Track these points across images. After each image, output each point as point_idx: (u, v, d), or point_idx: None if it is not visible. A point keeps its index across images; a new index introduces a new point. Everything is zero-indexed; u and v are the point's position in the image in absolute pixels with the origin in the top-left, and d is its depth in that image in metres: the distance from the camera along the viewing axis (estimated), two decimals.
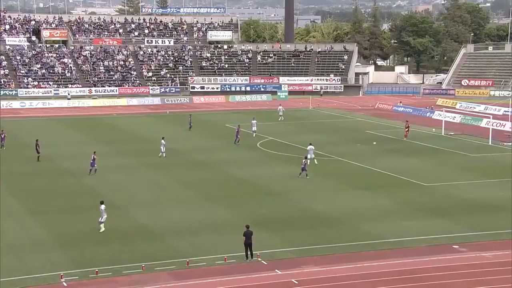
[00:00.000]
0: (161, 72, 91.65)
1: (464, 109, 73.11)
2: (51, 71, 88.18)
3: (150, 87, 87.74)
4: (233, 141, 49.62)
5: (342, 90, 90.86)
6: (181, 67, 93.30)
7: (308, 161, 39.46)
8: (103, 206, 26.55)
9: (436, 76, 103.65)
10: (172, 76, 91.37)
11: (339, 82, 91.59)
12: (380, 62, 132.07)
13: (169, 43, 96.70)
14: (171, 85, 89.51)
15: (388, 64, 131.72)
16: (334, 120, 65.65)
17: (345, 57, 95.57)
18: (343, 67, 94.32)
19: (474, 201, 32.39)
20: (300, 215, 29.73)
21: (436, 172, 39.68)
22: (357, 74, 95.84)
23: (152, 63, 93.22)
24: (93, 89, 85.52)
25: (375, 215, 29.86)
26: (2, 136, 45.65)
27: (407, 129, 51.56)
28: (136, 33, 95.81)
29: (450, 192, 34.30)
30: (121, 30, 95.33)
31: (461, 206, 31.27)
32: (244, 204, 31.69)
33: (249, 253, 23.63)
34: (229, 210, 30.37)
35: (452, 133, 55.19)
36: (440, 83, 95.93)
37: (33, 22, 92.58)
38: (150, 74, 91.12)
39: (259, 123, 57.48)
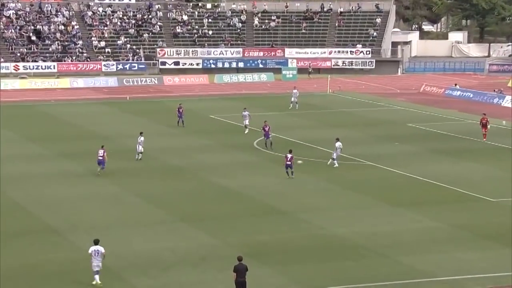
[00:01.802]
0: (118, 42, 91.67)
1: None
2: None
3: (103, 63, 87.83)
4: (224, 140, 49.68)
5: (373, 67, 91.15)
6: (147, 35, 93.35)
7: (336, 162, 41.32)
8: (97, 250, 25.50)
9: (508, 46, 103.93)
10: (134, 47, 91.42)
11: (369, 56, 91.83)
12: (427, 27, 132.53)
13: (130, 0, 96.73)
14: (133, 59, 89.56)
15: (439, 30, 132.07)
16: (362, 108, 65.83)
17: (378, 20, 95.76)
18: (375, 34, 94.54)
19: None
20: (313, 243, 29.80)
21: (508, 182, 39.77)
22: (394, 45, 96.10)
23: (106, 28, 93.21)
24: (21, 64, 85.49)
25: (420, 243, 29.90)
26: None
27: (484, 127, 50.48)
28: None
29: None
30: None
31: None
32: (236, 227, 31.78)
33: None
34: (214, 236, 30.44)
35: None
36: None
37: None
38: (103, 44, 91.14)
39: (256, 113, 57.56)
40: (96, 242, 25.54)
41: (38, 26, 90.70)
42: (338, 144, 42.65)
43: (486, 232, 31.05)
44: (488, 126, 50.52)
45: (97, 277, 25.13)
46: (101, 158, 40.41)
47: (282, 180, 39.71)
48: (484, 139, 50.21)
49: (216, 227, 31.65)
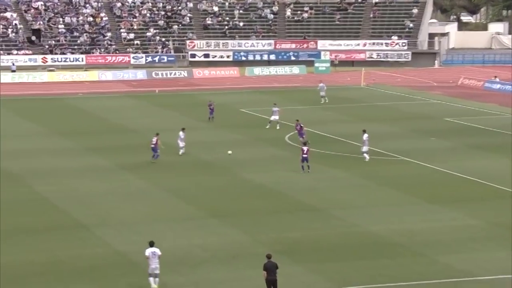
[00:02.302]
0: (147, 34, 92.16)
1: None
2: None
3: (132, 55, 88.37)
4: (255, 134, 49.75)
5: (410, 59, 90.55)
6: (176, 26, 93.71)
7: (367, 156, 41.57)
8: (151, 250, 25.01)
9: None
10: (163, 39, 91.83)
11: (405, 48, 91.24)
12: (466, 18, 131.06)
13: None
14: (162, 52, 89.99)
15: (478, 21, 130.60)
16: (397, 102, 65.46)
17: (415, 10, 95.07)
18: (411, 25, 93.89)
19: None
20: (346, 240, 29.74)
21: None
22: (431, 36, 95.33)
23: (135, 20, 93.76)
24: (49, 57, 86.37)
25: (458, 241, 29.71)
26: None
27: None
28: None
29: None
30: None
31: None
32: (267, 223, 31.80)
33: None
34: (245, 233, 30.50)
35: None
36: None
37: None
38: (132, 36, 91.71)
39: (288, 106, 57.65)
40: (151, 244, 24.93)
41: (66, 18, 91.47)
42: (365, 136, 42.53)
43: None
44: None
45: (151, 280, 24.47)
46: (153, 145, 41.57)
47: (314, 176, 39.64)
48: None
49: (247, 224, 31.69)
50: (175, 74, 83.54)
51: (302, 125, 47.10)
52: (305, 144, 40.59)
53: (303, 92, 70.03)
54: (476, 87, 74.25)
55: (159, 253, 24.79)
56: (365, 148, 42.58)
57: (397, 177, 39.72)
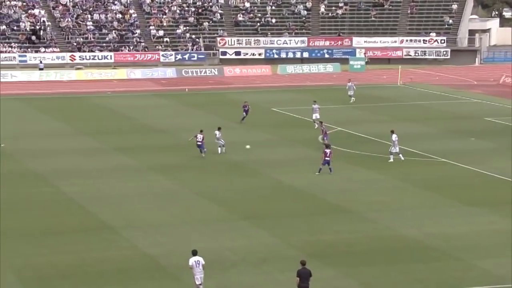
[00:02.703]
0: (177, 31, 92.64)
1: None
2: (14, 28, 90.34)
3: (161, 53, 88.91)
4: (287, 134, 49.76)
5: (449, 57, 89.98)
6: (207, 23, 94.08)
7: (392, 157, 41.65)
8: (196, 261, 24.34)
9: None
10: (194, 36, 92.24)
11: (444, 45, 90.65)
12: (508, 14, 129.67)
13: None
14: (192, 49, 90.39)
15: None
16: (436, 101, 65.06)
17: (454, 6, 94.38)
18: (451, 21, 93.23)
19: None
20: (380, 244, 29.69)
21: None
22: (472, 33, 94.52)
23: (164, 16, 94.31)
24: (77, 54, 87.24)
25: (497, 246, 29.51)
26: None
27: None
28: None
29: None
30: None
31: None
32: (298, 226, 31.86)
33: None
34: (275, 235, 30.59)
35: None
36: None
37: None
38: (161, 33, 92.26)
39: (321, 105, 57.43)
40: (194, 253, 24.59)
41: (95, 15, 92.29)
42: (394, 136, 42.61)
43: None
44: None
45: None
46: (199, 143, 43.16)
47: (347, 177, 39.60)
48: None
49: (278, 226, 31.75)
50: (205, 72, 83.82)
51: (325, 129, 46.79)
52: (327, 147, 40.69)
53: (337, 91, 69.84)
54: None
55: (203, 262, 24.44)
56: (394, 149, 42.42)
57: (433, 178, 39.52)
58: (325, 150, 40.30)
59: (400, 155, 42.84)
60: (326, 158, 39.87)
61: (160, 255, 28.27)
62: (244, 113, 54.71)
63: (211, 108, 61.20)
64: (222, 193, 36.93)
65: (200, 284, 24.38)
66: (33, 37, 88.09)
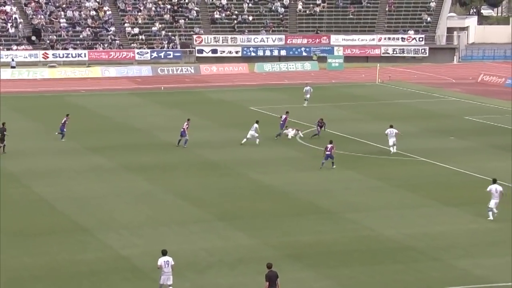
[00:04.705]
0: (153, 28, 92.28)
1: None
2: None
3: (136, 51, 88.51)
4: (264, 133, 49.76)
5: (427, 55, 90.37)
6: (183, 21, 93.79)
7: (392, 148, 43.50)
8: None
9: None
10: (169, 34, 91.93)
11: (423, 43, 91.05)
12: (487, 12, 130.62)
13: None
14: (168, 47, 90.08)
15: (499, 15, 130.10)
16: (414, 100, 65.29)
17: (432, 3, 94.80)
18: (429, 19, 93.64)
19: None
20: (360, 244, 29.71)
21: None
22: (450, 30, 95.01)
23: (139, 14, 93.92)
24: (50, 52, 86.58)
25: (477, 245, 29.65)
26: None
27: None
28: None
29: None
30: None
31: None
32: (277, 226, 31.80)
33: None
34: (253, 236, 30.52)
35: None
36: None
37: None
38: (136, 30, 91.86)
39: (299, 104, 57.64)
40: (164, 253, 24.71)
41: (68, 12, 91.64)
42: (389, 130, 44.40)
43: None
44: None
45: None
46: (182, 129, 45.39)
47: (326, 177, 39.61)
48: None
49: (256, 227, 31.68)
50: (181, 70, 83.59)
51: (324, 122, 48.20)
52: (330, 142, 41.42)
53: (315, 90, 69.75)
54: (497, 84, 73.97)
55: (173, 262, 24.49)
56: (391, 143, 44.10)
57: (413, 178, 39.63)
58: (327, 145, 40.98)
59: (391, 148, 44.01)
60: (327, 153, 40.52)
61: (135, 257, 28.08)
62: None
63: (188, 107, 60.98)
64: (198, 193, 36.79)
65: (170, 286, 24.28)
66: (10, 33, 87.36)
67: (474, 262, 27.81)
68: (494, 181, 33.26)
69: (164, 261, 24.45)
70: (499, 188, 32.95)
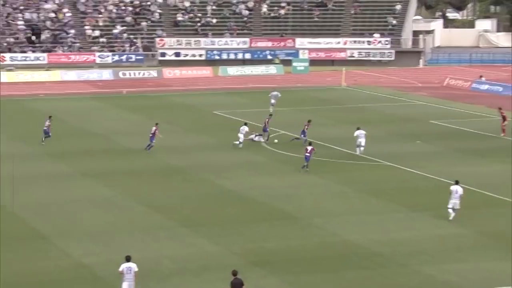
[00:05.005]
0: (114, 31, 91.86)
1: None
2: None
3: (97, 54, 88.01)
4: (228, 138, 49.80)
5: (393, 58, 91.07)
6: (145, 23, 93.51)
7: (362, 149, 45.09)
8: None
9: None
10: (131, 36, 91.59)
11: (388, 46, 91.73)
12: (452, 15, 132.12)
13: None
14: (130, 50, 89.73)
15: (464, 18, 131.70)
16: (380, 104, 65.77)
17: (398, 6, 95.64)
18: (395, 22, 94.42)
19: None
20: (325, 250, 29.87)
21: None
22: (416, 34, 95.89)
23: (100, 16, 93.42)
24: (7, 55, 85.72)
25: (443, 251, 29.93)
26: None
27: (504, 120, 51.36)
28: None
29: None
30: None
31: None
32: (241, 233, 31.85)
33: None
34: (217, 243, 30.53)
35: None
36: None
37: None
38: (97, 33, 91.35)
39: (264, 108, 57.72)
40: (128, 259, 24.61)
41: (26, 14, 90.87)
42: (358, 132, 45.55)
43: None
44: (506, 121, 51.48)
45: None
46: (151, 135, 45.56)
47: (292, 182, 39.74)
48: (503, 134, 50.56)
49: (220, 233, 31.69)
50: (143, 74, 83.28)
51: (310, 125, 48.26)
52: (310, 144, 42.35)
53: (280, 93, 70.04)
54: (463, 88, 74.82)
55: (136, 269, 24.43)
56: (361, 142, 45.30)
57: (379, 183, 39.91)
58: (307, 147, 41.68)
59: (358, 148, 45.14)
60: (306, 154, 41.15)
61: (96, 265, 27.95)
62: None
63: (150, 111, 60.74)
64: (160, 199, 36.70)
65: None
66: None
67: (440, 267, 28.09)
68: (457, 182, 34.01)
69: (126, 267, 24.41)
70: (460, 190, 33.59)
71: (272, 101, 60.64)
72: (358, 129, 45.86)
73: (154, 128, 45.91)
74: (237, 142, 47.40)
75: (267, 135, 49.17)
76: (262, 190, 38.28)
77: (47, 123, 48.67)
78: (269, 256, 29.11)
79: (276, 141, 48.50)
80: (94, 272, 27.44)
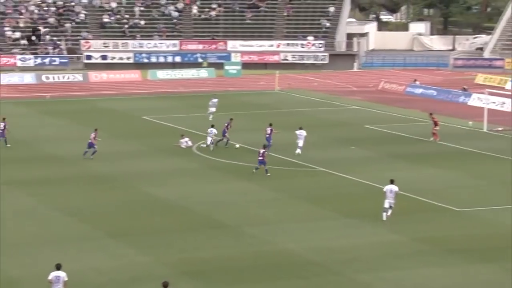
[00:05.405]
0: (36, 32, 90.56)
1: None
2: None
3: (18, 57, 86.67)
4: (159, 144, 49.58)
5: (327, 62, 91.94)
6: (69, 24, 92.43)
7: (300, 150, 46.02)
8: None
9: (475, 38, 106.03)
10: (55, 38, 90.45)
11: (322, 49, 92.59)
12: (386, 18, 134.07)
13: None
14: (53, 53, 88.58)
15: (398, 20, 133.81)
16: (314, 108, 66.29)
17: (331, 8, 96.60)
18: (328, 24, 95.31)
19: None
20: (259, 260, 29.90)
21: (476, 190, 40.53)
22: (350, 37, 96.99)
23: (21, 17, 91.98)
24: None
25: (379, 258, 30.24)
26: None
27: (435, 125, 52.23)
28: None
29: (497, 221, 35.08)
30: None
31: None
32: (172, 242, 31.69)
33: None
34: (147, 253, 30.31)
35: (500, 129, 56.56)
36: (481, 49, 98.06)
37: None
38: (18, 34, 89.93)
39: (195, 113, 57.59)
40: (58, 267, 24.39)
41: None
42: (300, 132, 46.69)
43: (451, 246, 31.55)
44: (438, 126, 52.32)
45: None
46: (90, 141, 45.27)
47: (225, 189, 39.75)
48: (436, 139, 51.43)
49: (150, 243, 31.48)
50: (68, 77, 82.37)
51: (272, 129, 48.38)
52: (264, 147, 42.67)
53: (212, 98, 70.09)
54: (397, 92, 75.95)
55: (66, 278, 24.23)
56: (299, 143, 46.49)
57: (314, 189, 40.17)
58: (260, 150, 41.97)
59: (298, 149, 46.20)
60: (259, 158, 41.52)
61: (19, 278, 27.45)
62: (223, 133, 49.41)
63: (76, 117, 60.12)
64: (87, 208, 36.31)
65: None
66: None
67: (376, 275, 28.38)
68: (392, 182, 34.73)
69: (55, 276, 24.15)
70: (395, 188, 34.19)
71: (213, 109, 59.70)
72: (300, 128, 47.06)
73: (93, 134, 45.86)
74: (205, 145, 48.24)
75: (226, 140, 49.02)
76: (194, 198, 38.19)
77: (3, 125, 48.56)
78: (201, 266, 29.03)
79: (237, 146, 48.77)
80: (18, 284, 26.98)
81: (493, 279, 28.19)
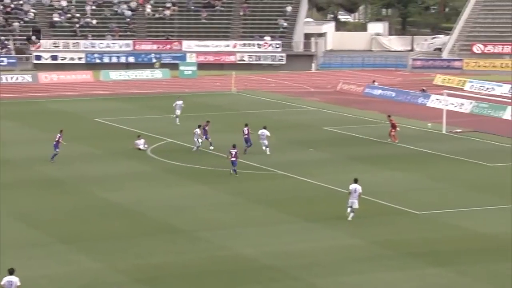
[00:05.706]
0: None
1: (477, 91, 75.85)
2: None
3: None
4: (112, 147, 49.27)
5: (285, 62, 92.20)
6: (17, 24, 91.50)
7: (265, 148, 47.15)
8: None
9: (433, 38, 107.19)
10: (2, 38, 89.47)
11: (279, 49, 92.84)
12: (344, 18, 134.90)
13: None
14: (1, 53, 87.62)
15: (356, 20, 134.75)
16: (272, 110, 66.41)
17: (289, 8, 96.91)
18: (285, 25, 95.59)
19: (494, 238, 33.56)
20: (215, 265, 29.86)
21: (435, 192, 40.85)
22: (308, 37, 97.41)
23: None
24: None
25: (337, 262, 30.34)
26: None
27: (393, 128, 52.58)
28: None
29: (456, 224, 35.42)
30: None
31: (476, 247, 32.32)
32: (125, 248, 31.53)
33: None
34: (99, 260, 30.12)
35: (459, 130, 57.18)
36: (440, 49, 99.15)
37: None
38: None
39: (149, 115, 57.29)
40: (11, 272, 24.23)
41: None
42: (262, 131, 47.41)
43: (410, 250, 31.77)
44: (396, 128, 52.78)
45: None
46: (55, 142, 45.10)
47: (180, 193, 39.66)
48: (395, 141, 51.84)
49: (103, 250, 31.31)
50: (17, 78, 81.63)
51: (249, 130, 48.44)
52: (234, 147, 42.80)
53: (167, 99, 69.73)
54: (355, 93, 76.40)
55: (18, 283, 24.11)
56: (264, 141, 47.31)
57: (272, 193, 40.22)
58: (231, 150, 42.20)
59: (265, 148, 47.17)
60: (232, 159, 41.69)
61: None
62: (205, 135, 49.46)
63: (24, 119, 59.52)
64: (37, 214, 35.99)
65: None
66: None
67: (335, 280, 28.48)
68: (356, 181, 35.31)
69: (8, 281, 23.98)
70: (359, 188, 34.75)
71: (178, 111, 59.38)
72: (264, 128, 47.83)
73: (58, 135, 45.50)
74: (195, 148, 48.22)
75: (209, 142, 49.16)
76: (148, 202, 38.02)
77: None
78: (155, 272, 28.90)
79: (211, 147, 48.78)
80: None
81: (452, 282, 28.45)
